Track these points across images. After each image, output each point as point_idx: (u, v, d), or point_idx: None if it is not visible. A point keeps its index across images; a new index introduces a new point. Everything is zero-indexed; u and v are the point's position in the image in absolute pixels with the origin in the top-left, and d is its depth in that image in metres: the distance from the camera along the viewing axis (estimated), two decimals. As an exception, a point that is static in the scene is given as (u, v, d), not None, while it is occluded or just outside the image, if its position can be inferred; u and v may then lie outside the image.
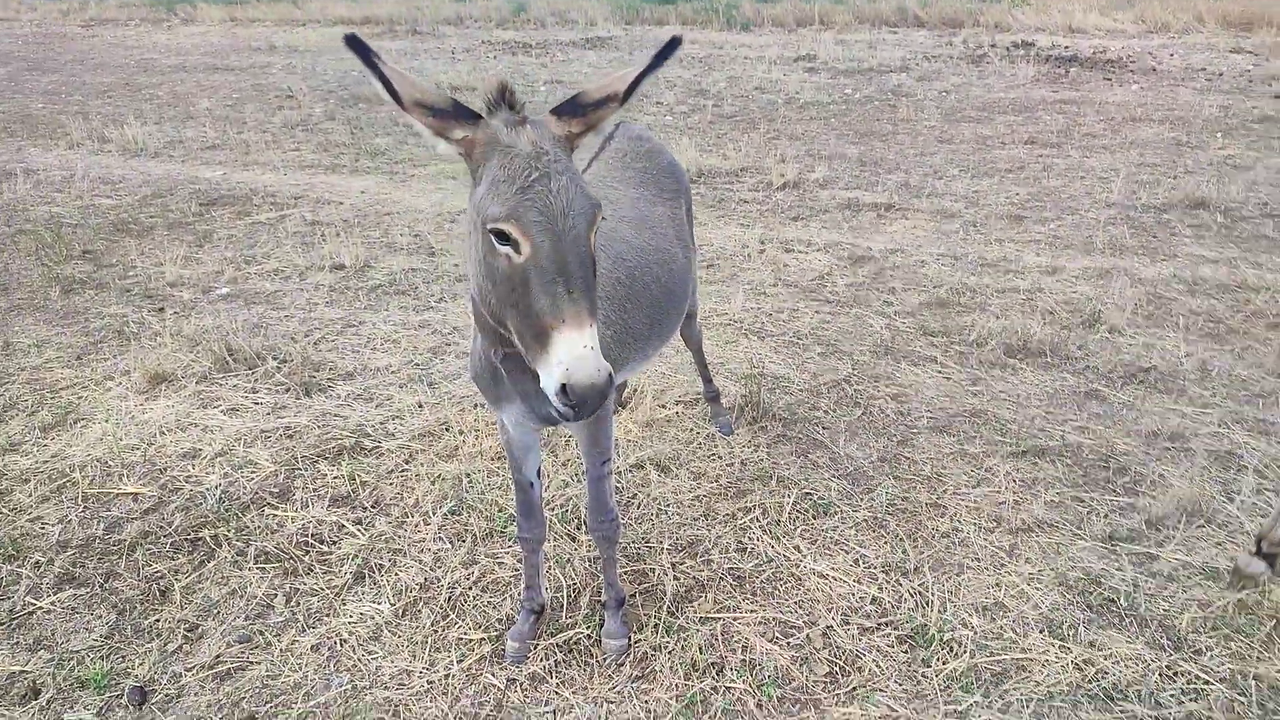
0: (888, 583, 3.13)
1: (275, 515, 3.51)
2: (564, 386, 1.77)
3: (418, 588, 3.14)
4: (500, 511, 3.51)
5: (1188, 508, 3.45)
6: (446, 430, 4.07)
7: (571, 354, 1.77)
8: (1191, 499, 3.45)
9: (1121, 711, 2.61)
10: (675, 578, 3.18)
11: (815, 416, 4.20)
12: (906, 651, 2.84)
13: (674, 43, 2.07)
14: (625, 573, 3.20)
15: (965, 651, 2.81)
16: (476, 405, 4.26)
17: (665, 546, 3.33)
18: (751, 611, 3.00)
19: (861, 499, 3.60)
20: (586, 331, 1.79)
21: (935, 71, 13.90)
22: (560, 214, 1.81)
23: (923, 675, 2.75)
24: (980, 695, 2.66)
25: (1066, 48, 15.66)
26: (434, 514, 3.50)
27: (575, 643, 2.90)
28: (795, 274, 5.99)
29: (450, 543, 3.36)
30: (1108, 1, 18.87)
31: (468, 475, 3.72)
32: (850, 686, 2.71)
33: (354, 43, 1.81)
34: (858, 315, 5.31)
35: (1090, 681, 2.71)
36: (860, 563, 3.24)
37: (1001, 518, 3.47)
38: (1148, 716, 2.59)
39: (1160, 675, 2.73)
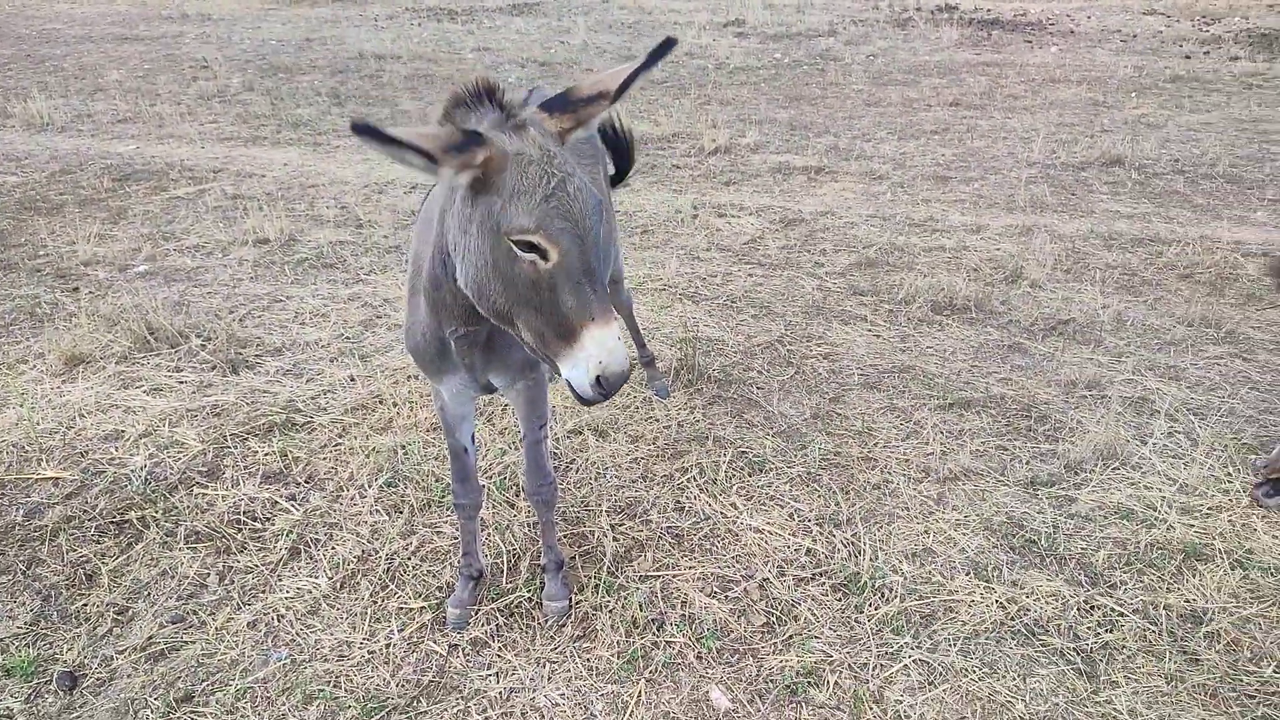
0: (821, 534, 3.21)
1: (205, 494, 3.44)
2: (598, 378, 1.87)
3: (355, 560, 3.11)
4: (437, 482, 3.49)
5: (1104, 452, 3.60)
6: (380, 403, 4.02)
7: (604, 348, 1.86)
8: (1107, 443, 3.61)
9: (1043, 645, 2.73)
10: (614, 539, 3.21)
11: (749, 377, 4.26)
12: (840, 599, 2.93)
13: (668, 44, 2.06)
14: (565, 536, 3.22)
15: (896, 596, 2.91)
16: (410, 377, 4.21)
17: (604, 509, 3.36)
18: (690, 568, 3.05)
19: (796, 455, 3.67)
20: (613, 325, 1.88)
21: (862, 35, 14.03)
22: (581, 217, 1.85)
23: (856, 621, 2.84)
24: (910, 636, 2.76)
25: (989, 11, 15.94)
26: (369, 487, 3.47)
27: (516, 606, 2.91)
28: (728, 238, 6.03)
29: (387, 514, 3.34)
30: (1028, -35, 19.20)
31: (403, 447, 3.69)
32: (787, 635, 2.79)
33: (365, 130, 1.70)
34: (789, 277, 5.38)
35: (1013, 619, 2.83)
36: (795, 516, 3.31)
37: (930, 468, 3.58)
38: (1067, 649, 2.72)
39: (1078, 610, 2.86)
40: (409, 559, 3.12)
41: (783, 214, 6.46)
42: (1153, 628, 2.78)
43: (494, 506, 3.38)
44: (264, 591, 2.99)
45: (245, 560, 3.13)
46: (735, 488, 3.48)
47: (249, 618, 2.88)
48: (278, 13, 17.38)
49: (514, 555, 3.14)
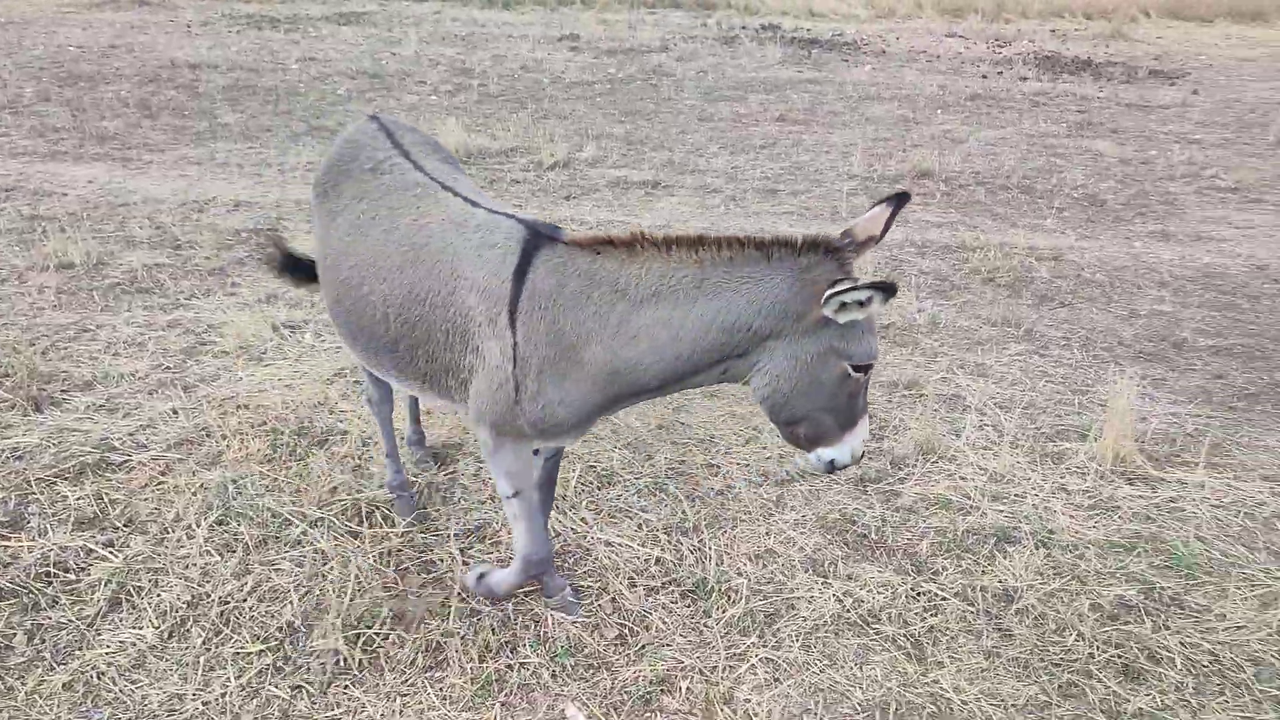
0: (669, 543, 3.29)
1: (7, 547, 3.14)
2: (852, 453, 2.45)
3: (185, 606, 2.93)
4: (274, 517, 3.33)
5: (924, 447, 3.88)
6: (207, 436, 3.80)
7: (864, 437, 2.46)
8: (926, 439, 3.88)
9: (876, 633, 2.92)
10: (465, 562, 3.17)
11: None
12: (689, 605, 3.01)
13: (904, 197, 2.40)
14: (412, 563, 3.15)
15: (741, 598, 3.02)
16: (240, 407, 4.00)
17: (453, 533, 3.31)
18: (542, 586, 3.05)
19: (643, 466, 3.75)
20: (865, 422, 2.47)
21: (693, 52, 14.46)
22: None
23: (705, 625, 2.93)
24: (756, 636, 2.88)
25: (808, 31, 16.81)
26: (198, 527, 3.27)
27: (366, 641, 2.82)
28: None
29: (219, 555, 3.16)
30: (842, -12, 20.39)
31: (234, 482, 3.50)
32: (640, 645, 2.84)
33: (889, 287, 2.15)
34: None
35: (849, 611, 3.00)
36: (644, 527, 3.38)
37: (768, 471, 3.74)
38: (898, 635, 2.91)
39: (906, 597, 3.07)
40: (245, 600, 2.97)
41: (621, 229, 6.57)
42: (971, 609, 3.02)
43: (336, 537, 3.26)
44: (80, 648, 2.76)
45: (57, 615, 2.88)
46: (585, 502, 3.51)
47: (64, 678, 2.66)
48: (76, 16, 16.06)
49: (361, 588, 3.04)
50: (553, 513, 3.42)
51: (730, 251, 2.30)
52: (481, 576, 2.84)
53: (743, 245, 2.30)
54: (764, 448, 3.90)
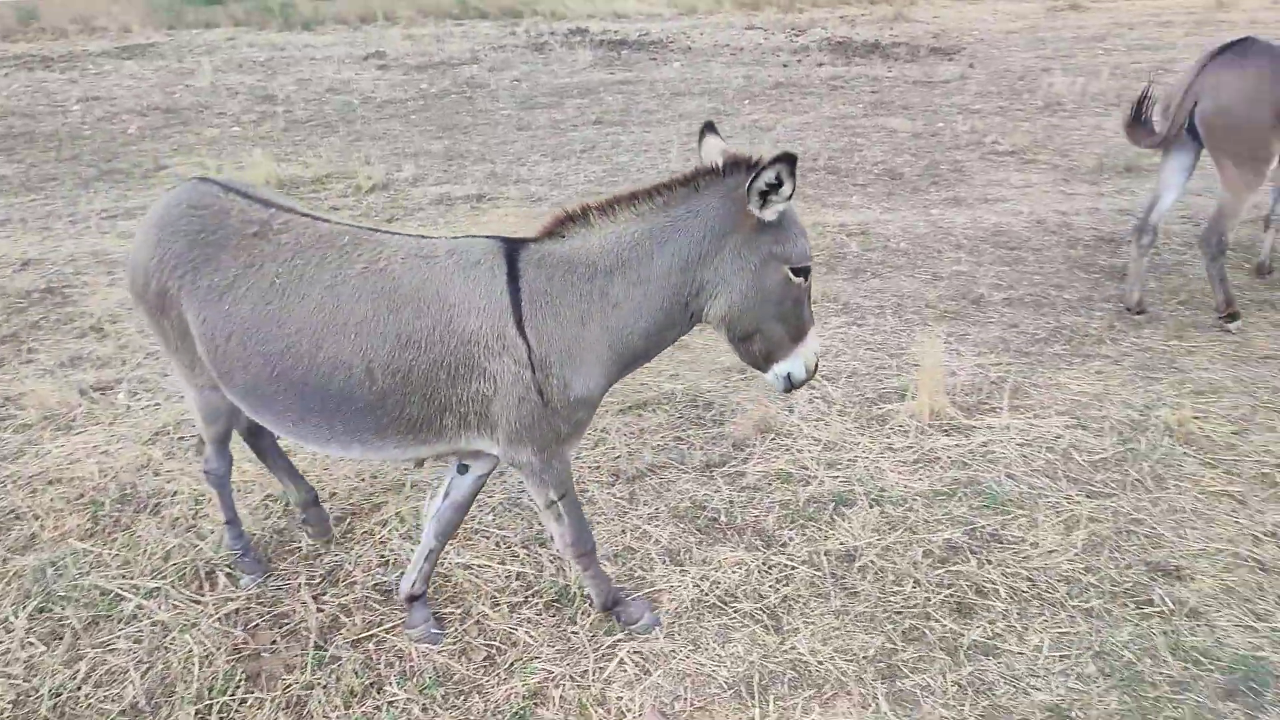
0: (528, 557, 3.31)
1: None
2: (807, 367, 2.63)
3: (10, 706, 2.70)
4: (103, 594, 3.12)
5: (762, 427, 4.06)
6: (17, 519, 3.51)
7: (818, 342, 2.66)
8: (762, 419, 4.07)
9: (735, 611, 3.04)
10: (319, 610, 3.07)
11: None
12: (554, 615, 3.05)
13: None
14: (263, 618, 3.03)
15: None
16: (52, 482, 3.71)
17: (303, 581, 3.20)
18: (404, 620, 3.00)
19: (494, 483, 3.74)
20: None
21: (504, 61, 14.43)
22: None
23: (571, 632, 2.97)
24: (622, 633, 2.94)
25: (616, 32, 17.09)
26: (16, 617, 3.02)
27: (223, 709, 2.69)
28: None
29: (44, 644, 2.93)
30: (645, -12, 20.86)
31: (53, 564, 3.25)
32: (509, 663, 2.85)
33: (790, 159, 2.32)
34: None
35: (707, 594, 3.11)
36: (501, 544, 3.38)
37: (619, 470, 3.82)
38: (755, 609, 3.05)
39: (759, 571, 3.22)
40: (79, 689, 2.77)
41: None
42: (818, 573, 3.20)
43: (176, 605, 3.09)
44: (-111, 775, 2.50)
45: None
46: (439, 529, 3.47)
47: (-128, 812, 2.40)
48: None
49: (208, 656, 2.90)
50: (405, 543, 3.37)
51: (663, 196, 2.47)
52: (614, 611, 2.94)
53: (671, 186, 2.48)
54: (613, 448, 3.98)
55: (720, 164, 2.46)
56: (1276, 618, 2.92)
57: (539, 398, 2.47)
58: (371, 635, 2.96)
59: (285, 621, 3.03)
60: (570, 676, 2.79)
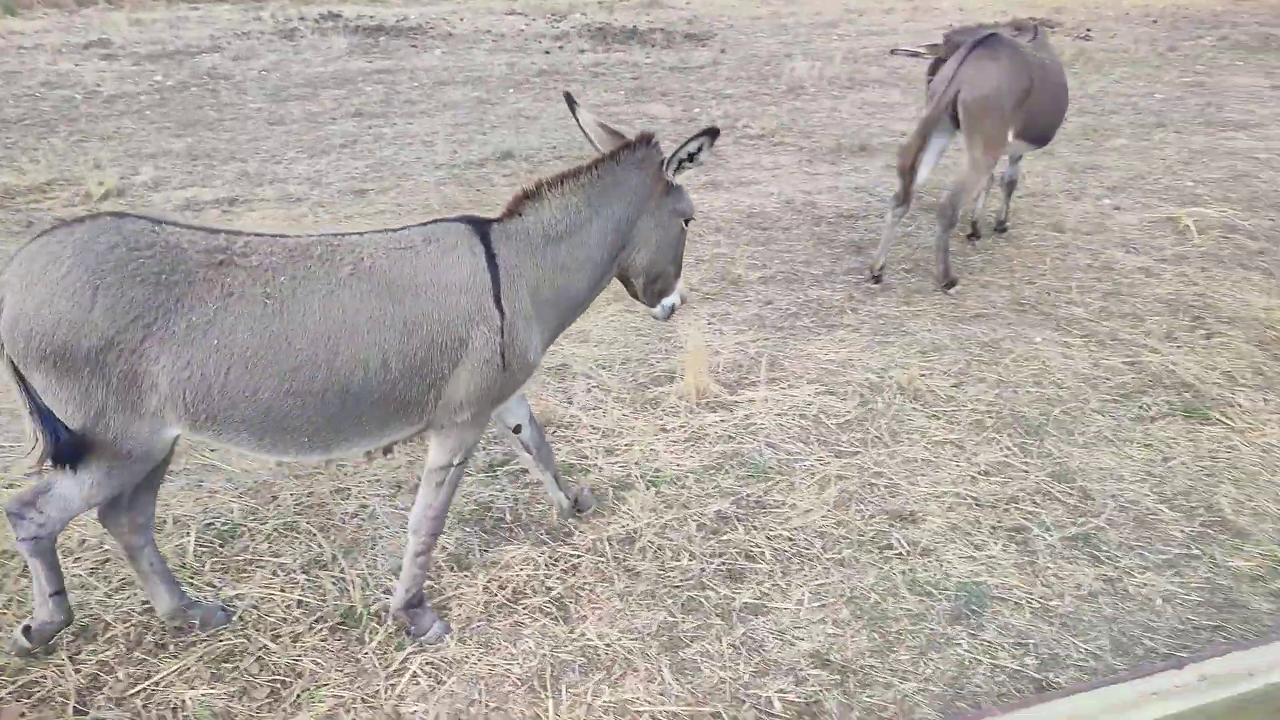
0: (310, 582, 3.22)
1: None
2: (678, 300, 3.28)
3: None
4: None
5: (544, 420, 4.14)
6: None
7: (684, 281, 3.33)
8: (543, 412, 4.16)
9: (525, 607, 3.13)
10: (76, 669, 2.84)
11: (201, 441, 4.01)
12: (340, 638, 2.99)
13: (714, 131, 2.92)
14: (10, 689, 2.76)
15: (392, 615, 3.06)
16: None
17: (62, 640, 2.94)
18: (176, 668, 2.84)
19: (268, 510, 3.60)
20: None
21: (250, 50, 13.51)
22: None
23: (360, 654, 2.93)
24: (412, 646, 2.95)
25: (372, 18, 16.45)
26: None
27: (-40, 799, 2.44)
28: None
29: None
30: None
31: None
32: (295, 696, 2.78)
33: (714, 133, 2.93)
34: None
35: (495, 595, 3.18)
36: (279, 571, 3.27)
37: (401, 481, 3.79)
38: (543, 603, 3.14)
39: (546, 565, 3.32)
40: None
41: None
42: (602, 559, 3.35)
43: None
44: None
45: None
46: (209, 564, 3.30)
47: None
48: None
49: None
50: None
51: (597, 170, 2.88)
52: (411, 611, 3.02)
53: (600, 162, 2.89)
54: (393, 458, 3.93)
55: (633, 139, 2.93)
56: (990, 546, 3.39)
57: (501, 362, 2.76)
58: (141, 689, 2.78)
59: (35, 689, 2.78)
60: (362, 698, 2.77)
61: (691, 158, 2.92)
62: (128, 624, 3.03)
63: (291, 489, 3.71)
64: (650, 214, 2.99)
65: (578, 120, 3.14)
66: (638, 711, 2.72)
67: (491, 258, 2.74)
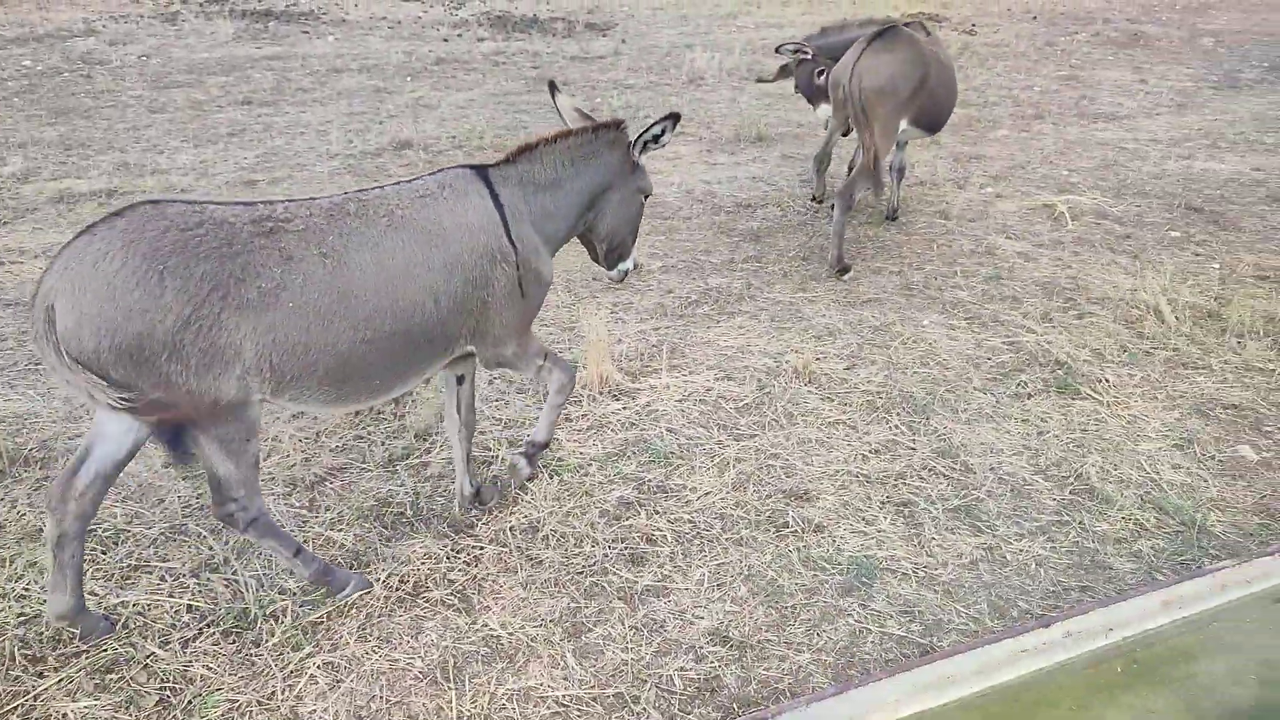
0: (200, 586, 3.13)
1: None
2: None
3: None
4: None
5: (443, 413, 4.11)
6: None
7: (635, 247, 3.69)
8: (443, 406, 4.12)
9: (426, 601, 3.11)
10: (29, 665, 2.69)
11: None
12: (234, 642, 2.92)
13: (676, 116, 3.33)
14: None
15: (287, 615, 3.00)
16: None
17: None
18: (57, 681, 2.72)
19: (154, 513, 3.47)
20: None
21: (128, 34, 12.85)
22: None
23: (255, 655, 2.87)
24: (310, 645, 2.90)
25: (260, 1, 15.85)
26: None
27: None
28: (13, 294, 5.20)
29: None
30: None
31: None
32: (186, 703, 2.70)
33: (675, 118, 3.38)
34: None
35: (397, 589, 3.14)
36: (166, 576, 3.16)
37: (296, 479, 3.70)
38: (445, 595, 3.13)
39: (448, 558, 3.30)
40: None
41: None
42: (505, 549, 3.35)
43: None
44: None
45: None
46: (91, 572, 3.16)
47: None
48: None
49: None
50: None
51: (579, 138, 3.23)
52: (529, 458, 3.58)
53: (584, 131, 3.25)
54: (286, 457, 3.84)
55: (607, 122, 3.33)
56: (879, 520, 3.54)
57: (520, 293, 3.13)
58: (16, 706, 2.65)
59: (-100, 712, 2.63)
60: (257, 701, 2.71)
61: (656, 139, 3.34)
62: (1, 638, 2.88)
63: (179, 491, 3.58)
64: (617, 188, 3.39)
65: (556, 105, 3.55)
66: (541, 697, 2.75)
67: (495, 197, 3.07)
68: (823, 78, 6.38)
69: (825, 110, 6.37)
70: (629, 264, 3.66)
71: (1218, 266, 5.88)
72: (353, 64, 11.52)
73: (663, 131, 3.31)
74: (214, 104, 9.57)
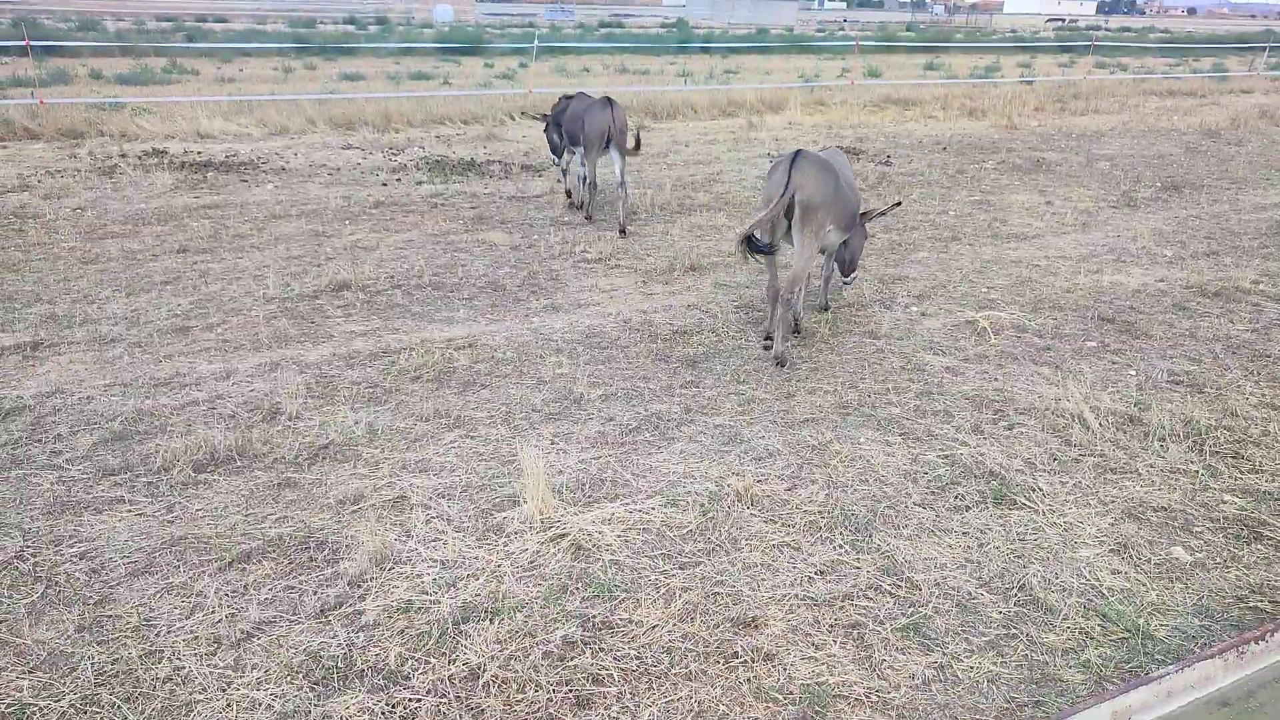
0: (112, 760, 2.90)
1: None
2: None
3: None
4: None
5: (378, 557, 3.99)
6: None
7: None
8: (378, 549, 4.01)
9: (359, 762, 2.92)
10: None
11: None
12: (146, 822, 2.69)
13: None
14: None
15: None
16: None
17: None
18: None
19: (64, 684, 3.24)
20: None
21: (63, 188, 12.89)
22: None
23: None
24: None
25: (199, 153, 16.11)
26: None
27: None
28: (-77, 452, 4.98)
29: None
30: (230, 108, 20.01)
31: None
32: None
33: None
34: (20, 477, 4.70)
35: (327, 751, 2.96)
36: (76, 754, 2.93)
37: (220, 636, 3.51)
38: (380, 754, 2.95)
39: (384, 713, 3.13)
40: None
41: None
42: (444, 700, 3.20)
43: None
44: None
45: None
46: (-10, 754, 2.92)
47: None
48: None
49: None
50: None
51: None
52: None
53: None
54: (211, 613, 3.65)
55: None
56: (829, 644, 3.48)
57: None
58: None
59: None
60: None
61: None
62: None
63: (92, 656, 3.37)
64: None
65: None
66: None
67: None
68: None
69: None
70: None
71: (1134, 373, 6.14)
72: (291, 209, 11.68)
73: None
74: (149, 253, 9.56)
